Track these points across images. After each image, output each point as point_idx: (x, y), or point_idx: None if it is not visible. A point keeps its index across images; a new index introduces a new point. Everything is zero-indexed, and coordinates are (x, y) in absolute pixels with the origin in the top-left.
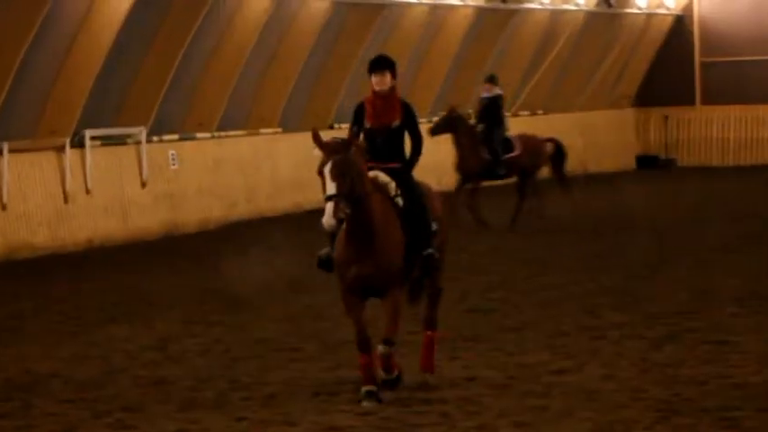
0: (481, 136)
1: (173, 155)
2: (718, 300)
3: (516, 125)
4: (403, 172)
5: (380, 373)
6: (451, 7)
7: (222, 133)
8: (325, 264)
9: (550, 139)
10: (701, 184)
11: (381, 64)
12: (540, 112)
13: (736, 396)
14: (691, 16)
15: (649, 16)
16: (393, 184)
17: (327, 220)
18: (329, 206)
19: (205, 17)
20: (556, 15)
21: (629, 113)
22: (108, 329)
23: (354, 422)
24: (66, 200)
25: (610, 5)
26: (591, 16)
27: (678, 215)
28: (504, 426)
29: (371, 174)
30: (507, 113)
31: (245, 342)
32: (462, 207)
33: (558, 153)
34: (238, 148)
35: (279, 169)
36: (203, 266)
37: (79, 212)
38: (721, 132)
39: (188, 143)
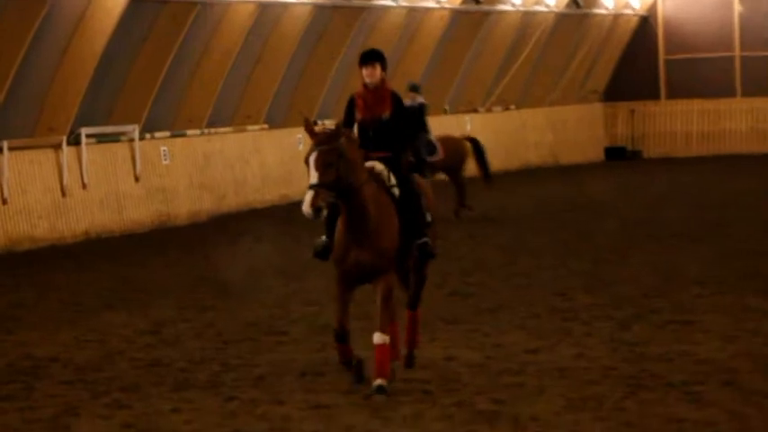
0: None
1: (164, 151)
2: (682, 282)
3: (490, 120)
4: (397, 162)
5: (378, 377)
6: (428, 10)
7: (211, 130)
8: (321, 253)
9: (468, 138)
10: (666, 174)
11: (371, 56)
12: (512, 107)
13: (700, 371)
14: (655, 16)
15: (616, 17)
16: (389, 174)
17: (305, 208)
18: (308, 195)
19: (193, 22)
20: (527, 16)
21: (597, 108)
22: (105, 315)
23: (339, 400)
24: (63, 194)
25: (578, 6)
26: (560, 17)
27: (644, 203)
28: (482, 402)
29: (369, 164)
30: (481, 108)
31: (236, 326)
32: None
33: (477, 150)
34: (226, 143)
35: (265, 163)
36: (195, 256)
37: (76, 206)
38: (684, 125)
39: (179, 140)
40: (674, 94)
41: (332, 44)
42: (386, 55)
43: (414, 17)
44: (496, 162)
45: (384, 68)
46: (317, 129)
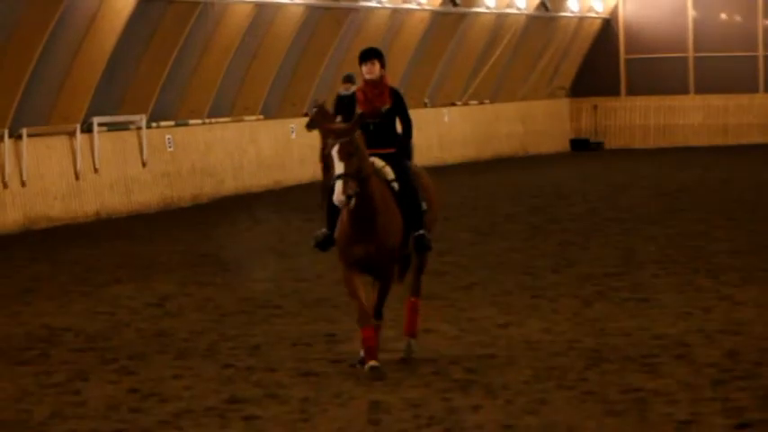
0: None
1: (169, 139)
2: (640, 263)
3: (466, 113)
4: (396, 156)
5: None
6: (409, 11)
7: (212, 120)
8: (322, 244)
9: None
10: (626, 163)
11: (370, 54)
12: (486, 101)
13: (656, 345)
14: (616, 19)
15: (581, 19)
16: (389, 169)
17: (338, 197)
18: (339, 184)
19: (196, 21)
20: (500, 18)
21: (563, 103)
22: (114, 289)
23: (327, 369)
24: (77, 178)
25: (547, 9)
26: (530, 19)
27: (606, 190)
28: (457, 371)
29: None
30: (458, 102)
31: (233, 300)
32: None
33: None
34: (226, 132)
35: (261, 151)
36: (196, 235)
37: (88, 189)
38: (642, 119)
39: (182, 129)
40: (633, 90)
41: (322, 42)
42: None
43: (397, 18)
44: (472, 151)
45: (383, 65)
46: (333, 125)
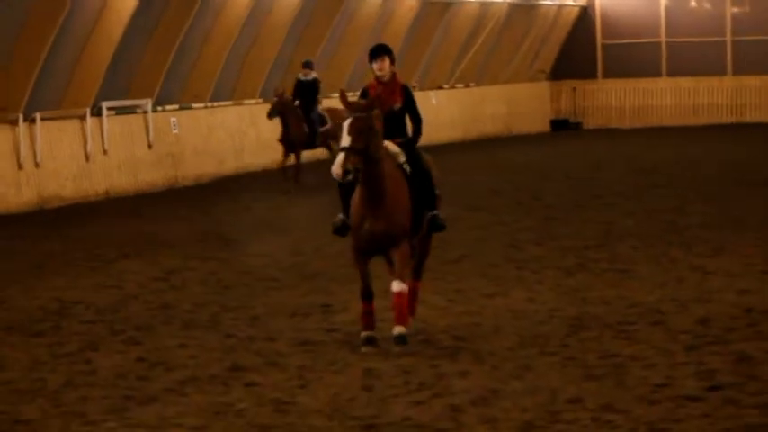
0: (301, 113)
1: (174, 122)
2: (619, 236)
3: (453, 96)
4: (407, 143)
5: (397, 328)
6: (399, 1)
7: (214, 104)
8: (340, 230)
9: None
10: (603, 142)
11: (380, 51)
12: (472, 84)
13: (633, 313)
14: (593, 7)
15: (560, 7)
16: (401, 153)
17: (336, 168)
18: (340, 156)
19: (198, 11)
20: (484, 7)
21: (544, 86)
22: (122, 264)
23: (323, 338)
24: (87, 159)
25: None
26: (513, 7)
27: (585, 168)
28: (446, 339)
29: (384, 143)
30: (446, 85)
31: (234, 273)
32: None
33: None
34: (227, 116)
35: (260, 133)
36: (199, 212)
37: (98, 169)
38: (618, 101)
39: (186, 112)
40: (609, 74)
41: (317, 30)
42: (362, 40)
43: (387, 7)
44: (459, 132)
45: (392, 62)
46: (350, 99)
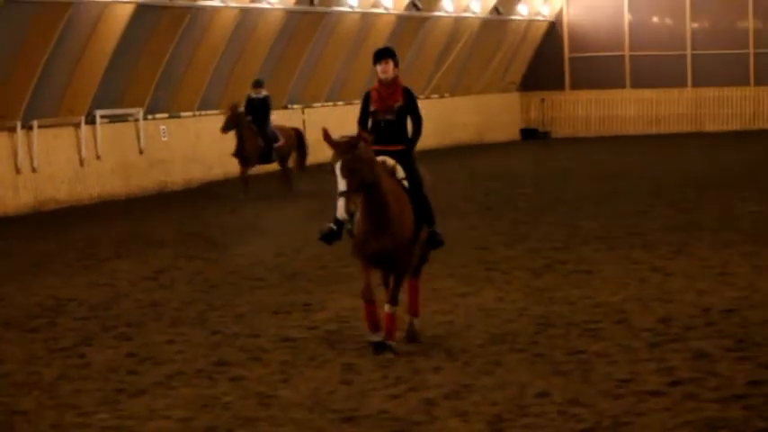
0: (255, 127)
1: (163, 129)
2: (584, 239)
3: (428, 105)
4: (406, 154)
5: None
6: (377, 15)
7: (202, 112)
8: (327, 237)
9: (294, 129)
10: (570, 150)
11: (384, 54)
12: (446, 95)
13: (598, 312)
14: (561, 22)
15: (529, 22)
16: (399, 168)
17: (340, 213)
18: (341, 202)
19: (187, 25)
20: (458, 21)
21: (515, 96)
22: (114, 264)
23: (305, 334)
24: (81, 164)
25: (499, 13)
26: (485, 22)
27: (553, 174)
28: (421, 336)
29: (380, 159)
30: (421, 95)
31: (220, 273)
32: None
33: (300, 141)
34: (214, 124)
35: None
36: (188, 215)
37: (92, 174)
38: (584, 111)
39: (175, 120)
40: (576, 85)
41: (299, 43)
42: (343, 52)
43: (366, 21)
44: (433, 140)
45: (396, 64)
46: (334, 138)
